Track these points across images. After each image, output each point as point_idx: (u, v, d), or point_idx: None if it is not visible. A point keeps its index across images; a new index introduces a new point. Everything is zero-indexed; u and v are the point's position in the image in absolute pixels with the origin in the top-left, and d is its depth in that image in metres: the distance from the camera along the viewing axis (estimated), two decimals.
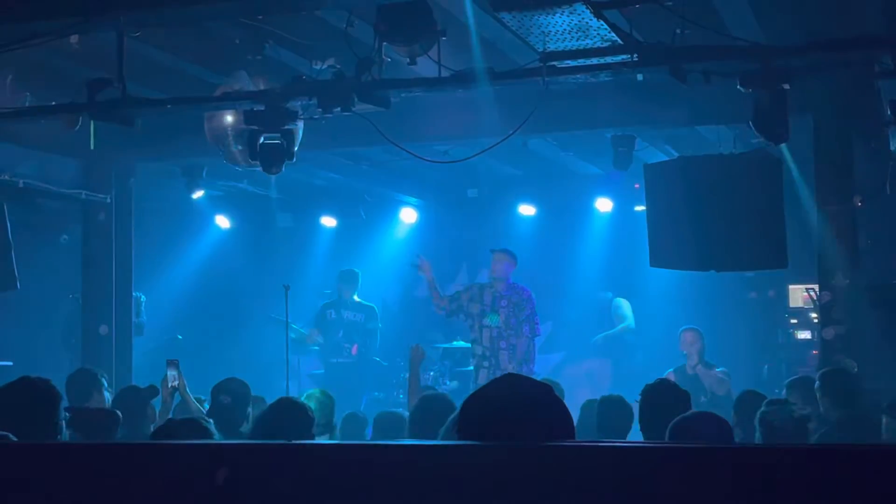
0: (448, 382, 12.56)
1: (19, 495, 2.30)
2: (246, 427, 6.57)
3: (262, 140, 7.82)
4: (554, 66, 6.85)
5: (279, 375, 10.04)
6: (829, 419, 7.03)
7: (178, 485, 2.24)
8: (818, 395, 7.25)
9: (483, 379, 10.53)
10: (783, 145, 8.25)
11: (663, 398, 5.80)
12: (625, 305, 13.22)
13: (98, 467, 2.32)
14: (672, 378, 9.24)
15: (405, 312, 14.97)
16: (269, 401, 7.12)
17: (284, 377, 9.89)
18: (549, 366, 13.13)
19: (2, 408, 4.66)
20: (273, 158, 7.90)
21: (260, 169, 8.08)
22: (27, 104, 8.41)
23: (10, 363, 10.90)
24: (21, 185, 10.03)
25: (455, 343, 13.05)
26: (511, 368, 10.45)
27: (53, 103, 8.29)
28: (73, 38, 7.45)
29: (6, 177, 9.92)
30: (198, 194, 11.95)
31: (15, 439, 4.01)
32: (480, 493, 2.07)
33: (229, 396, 6.75)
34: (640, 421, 5.78)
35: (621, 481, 2.02)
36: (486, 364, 10.69)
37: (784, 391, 7.94)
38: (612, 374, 12.89)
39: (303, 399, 6.23)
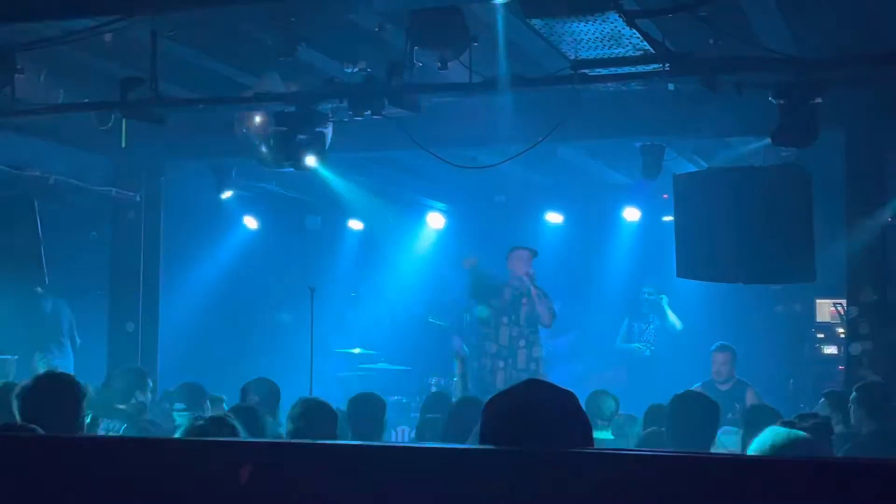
0: (471, 388, 12.55)
1: (45, 487, 2.32)
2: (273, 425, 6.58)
3: (291, 142, 7.85)
4: (585, 73, 6.84)
5: (304, 376, 10.06)
6: (861, 432, 6.99)
7: (201, 482, 2.25)
8: (852, 406, 7.21)
9: (501, 380, 10.43)
10: (813, 158, 8.21)
11: (692, 409, 5.75)
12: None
13: (121, 462, 2.34)
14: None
15: (431, 317, 14.96)
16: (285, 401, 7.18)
17: (308, 378, 9.91)
18: (573, 376, 13.08)
19: (27, 401, 4.69)
20: (303, 160, 7.93)
21: (289, 170, 8.11)
22: (60, 101, 8.48)
23: (16, 357, 10.92)
24: (52, 181, 10.10)
25: None
26: (532, 369, 10.41)
27: (86, 100, 8.35)
28: (107, 37, 7.50)
29: (37, 173, 9.99)
30: (226, 194, 12.00)
31: (42, 432, 4.04)
32: (499, 499, 2.07)
33: (257, 396, 6.80)
34: (668, 430, 5.74)
35: (639, 489, 2.02)
36: (501, 364, 10.58)
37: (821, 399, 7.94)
38: (635, 386, 12.82)
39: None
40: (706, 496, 1.98)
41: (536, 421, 2.54)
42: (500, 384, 10.44)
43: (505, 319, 10.63)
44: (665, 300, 13.11)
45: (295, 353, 12.01)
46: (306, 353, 10.22)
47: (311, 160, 7.94)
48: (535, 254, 10.87)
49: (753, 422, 7.05)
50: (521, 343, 10.55)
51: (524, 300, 10.60)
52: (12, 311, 11.32)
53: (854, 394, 7.33)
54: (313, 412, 5.79)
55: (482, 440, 2.60)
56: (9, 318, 11.28)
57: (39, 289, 11.49)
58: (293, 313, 13.33)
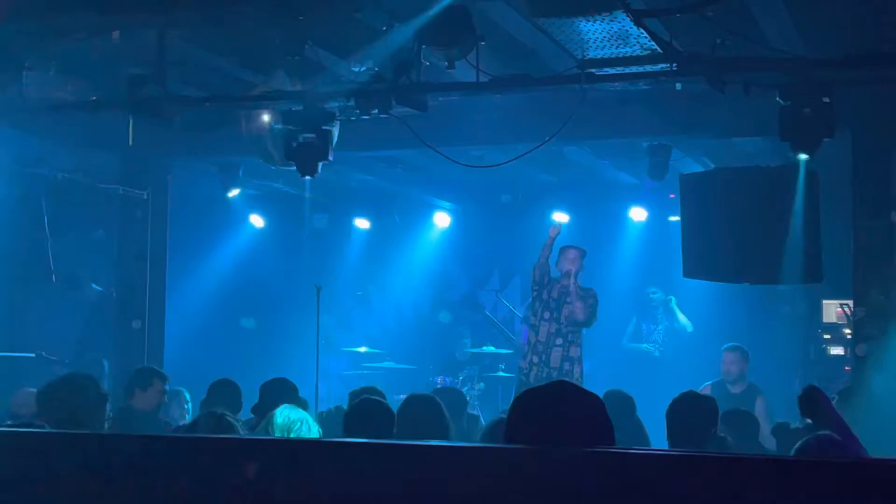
0: (476, 385, 12.62)
1: (47, 484, 2.32)
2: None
3: (298, 140, 7.85)
4: (592, 73, 6.84)
5: (310, 375, 10.08)
6: None
7: (207, 480, 2.25)
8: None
9: (534, 376, 10.39)
10: (820, 158, 8.19)
11: (690, 410, 5.78)
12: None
13: (125, 460, 2.34)
14: (708, 391, 9.15)
15: (437, 316, 14.97)
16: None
17: (314, 377, 9.92)
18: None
19: (48, 401, 4.71)
20: (309, 159, 7.93)
21: (296, 169, 8.12)
22: (68, 99, 8.48)
23: (32, 355, 10.96)
24: (59, 179, 10.11)
25: (484, 348, 13.09)
26: (566, 369, 10.43)
27: (94, 98, 8.35)
28: (115, 34, 7.52)
29: (45, 170, 10.00)
30: (233, 192, 12.02)
31: (48, 429, 4.04)
32: (518, 496, 2.07)
33: (275, 395, 6.84)
34: (668, 432, 5.75)
35: (642, 489, 2.02)
36: (535, 360, 10.59)
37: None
38: (643, 386, 12.79)
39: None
40: (707, 496, 1.98)
41: (562, 421, 2.55)
42: (533, 381, 10.39)
43: (546, 315, 10.65)
44: (673, 301, 13.11)
45: (301, 352, 12.02)
46: (312, 352, 10.22)
47: (314, 168, 7.96)
48: (584, 253, 10.85)
49: (731, 422, 7.06)
50: (559, 341, 10.57)
51: (568, 299, 10.61)
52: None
53: (836, 398, 7.29)
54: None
55: (508, 438, 2.60)
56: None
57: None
58: (300, 312, 13.33)
